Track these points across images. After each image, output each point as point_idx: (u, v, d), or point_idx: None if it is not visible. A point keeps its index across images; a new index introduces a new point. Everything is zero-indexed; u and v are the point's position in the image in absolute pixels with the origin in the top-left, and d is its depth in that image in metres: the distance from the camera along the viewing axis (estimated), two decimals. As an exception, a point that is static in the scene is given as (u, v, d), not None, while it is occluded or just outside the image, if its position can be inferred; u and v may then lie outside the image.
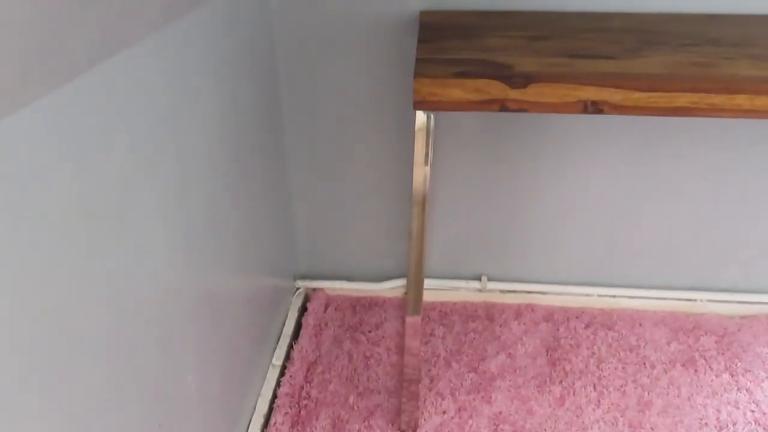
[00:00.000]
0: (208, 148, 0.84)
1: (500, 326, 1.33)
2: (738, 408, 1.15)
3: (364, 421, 1.12)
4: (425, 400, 1.16)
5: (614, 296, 1.38)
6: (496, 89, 0.76)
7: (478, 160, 1.25)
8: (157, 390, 0.72)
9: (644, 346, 1.28)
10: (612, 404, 1.16)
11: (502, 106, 0.77)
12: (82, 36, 0.53)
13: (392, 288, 1.41)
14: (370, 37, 1.13)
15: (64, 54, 0.50)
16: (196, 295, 0.83)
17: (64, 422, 0.54)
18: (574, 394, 1.18)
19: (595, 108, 0.76)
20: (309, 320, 1.34)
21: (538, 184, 1.27)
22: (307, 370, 1.23)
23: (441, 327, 1.34)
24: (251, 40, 1.01)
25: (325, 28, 1.13)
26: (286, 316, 1.34)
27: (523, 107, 0.77)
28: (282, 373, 1.21)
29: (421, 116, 0.83)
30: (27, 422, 0.49)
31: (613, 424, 1.12)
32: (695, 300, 1.37)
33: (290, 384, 1.18)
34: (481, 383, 1.20)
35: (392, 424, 1.12)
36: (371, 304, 1.41)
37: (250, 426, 1.08)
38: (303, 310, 1.38)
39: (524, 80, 0.76)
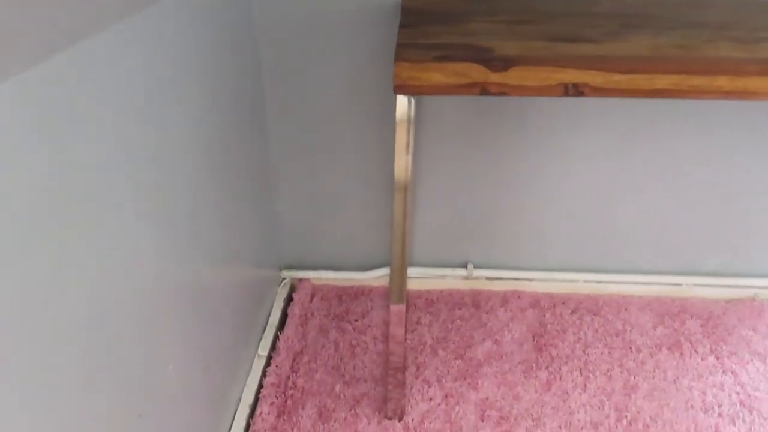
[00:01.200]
0: (188, 136, 0.83)
1: (486, 313, 1.33)
2: (723, 390, 1.16)
3: (350, 410, 1.12)
4: (412, 387, 1.16)
5: (600, 282, 1.38)
6: (476, 72, 0.76)
7: (462, 148, 1.25)
8: (137, 380, 0.71)
9: (630, 331, 1.29)
10: (598, 388, 1.16)
11: (483, 90, 0.77)
12: (56, 16, 0.52)
13: (378, 277, 1.41)
14: (354, 24, 1.12)
15: (37, 34, 0.49)
16: (179, 285, 0.82)
17: (42, 411, 0.53)
18: (560, 379, 1.18)
19: (575, 90, 0.76)
20: (295, 310, 1.33)
21: (523, 171, 1.27)
22: (293, 360, 1.22)
23: (427, 315, 1.34)
24: (233, 28, 1.00)
25: (309, 15, 1.12)
26: (272, 306, 1.34)
27: (503, 90, 0.77)
28: (268, 363, 1.20)
29: (402, 101, 0.82)
30: (5, 412, 0.49)
31: (599, 407, 1.12)
32: (681, 284, 1.38)
33: (276, 374, 1.18)
34: (467, 370, 1.20)
35: (379, 412, 1.12)
36: (357, 293, 1.40)
37: (236, 416, 1.08)
38: (289, 300, 1.38)
39: (505, 63, 0.76)
